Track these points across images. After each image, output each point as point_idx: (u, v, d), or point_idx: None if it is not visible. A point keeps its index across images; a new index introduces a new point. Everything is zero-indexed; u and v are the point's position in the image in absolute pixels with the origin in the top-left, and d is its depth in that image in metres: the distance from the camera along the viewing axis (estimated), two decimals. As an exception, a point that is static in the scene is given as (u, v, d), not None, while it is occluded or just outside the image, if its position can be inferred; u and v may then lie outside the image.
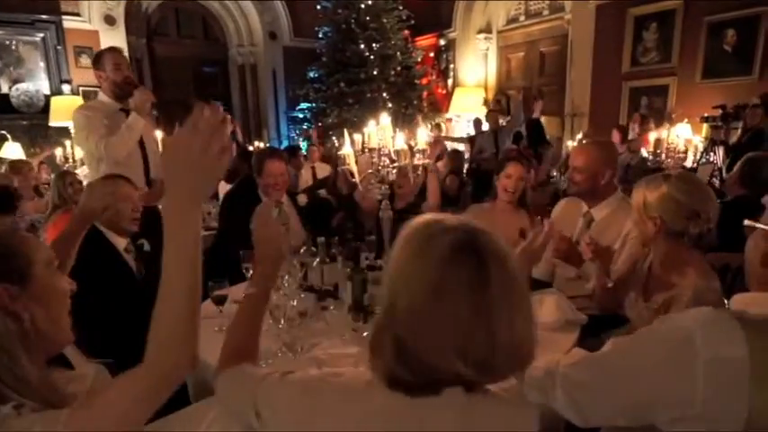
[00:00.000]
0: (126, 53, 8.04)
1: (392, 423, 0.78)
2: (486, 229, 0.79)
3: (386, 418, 0.78)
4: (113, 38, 7.79)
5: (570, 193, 2.41)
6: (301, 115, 9.47)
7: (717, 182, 4.63)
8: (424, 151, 2.14)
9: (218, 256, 2.41)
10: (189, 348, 0.78)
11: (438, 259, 0.74)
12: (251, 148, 6.80)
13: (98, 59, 2.89)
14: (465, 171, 6.39)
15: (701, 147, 5.26)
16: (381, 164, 1.94)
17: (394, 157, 1.92)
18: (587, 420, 1.02)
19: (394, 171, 1.92)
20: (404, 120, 7.98)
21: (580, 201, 2.34)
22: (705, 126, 5.67)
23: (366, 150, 2.16)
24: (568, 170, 2.37)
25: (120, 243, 2.07)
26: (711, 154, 5.22)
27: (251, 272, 2.00)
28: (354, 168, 2.61)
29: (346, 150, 2.92)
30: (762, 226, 1.03)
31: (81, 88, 7.62)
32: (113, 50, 2.97)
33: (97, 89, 3.03)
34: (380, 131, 2.10)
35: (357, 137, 5.22)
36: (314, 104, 8.99)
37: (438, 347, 0.74)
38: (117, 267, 2.06)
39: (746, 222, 1.05)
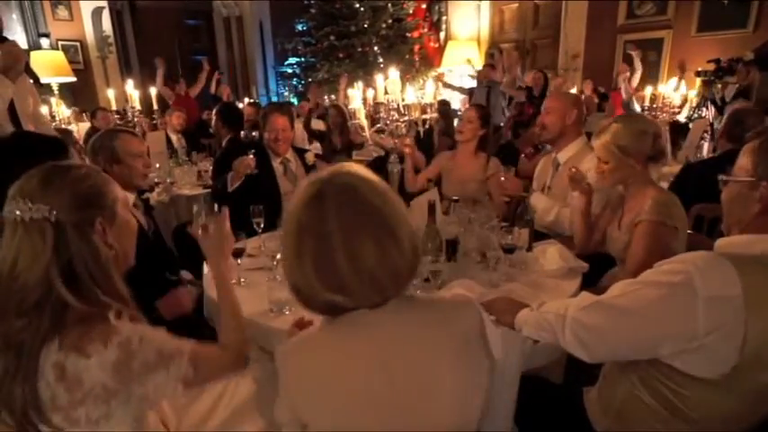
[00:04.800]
0: (105, 4, 7.63)
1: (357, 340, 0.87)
2: (342, 172, 0.87)
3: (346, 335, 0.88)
4: (92, -13, 7.45)
5: (542, 139, 2.62)
6: (290, 70, 9.25)
7: (707, 137, 4.66)
8: (431, 105, 2.13)
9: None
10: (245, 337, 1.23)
11: (298, 208, 0.86)
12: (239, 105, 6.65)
13: None
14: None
15: (695, 102, 5.27)
16: (390, 118, 1.94)
17: (403, 111, 1.92)
18: (594, 358, 1.13)
19: (403, 125, 1.93)
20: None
21: (553, 152, 2.56)
22: (698, 81, 5.68)
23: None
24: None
25: (129, 199, 2.05)
26: (704, 109, 5.25)
27: (261, 226, 2.04)
28: (365, 123, 2.58)
29: (356, 105, 2.88)
30: (733, 179, 1.11)
31: (60, 42, 7.35)
32: None
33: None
34: (390, 85, 2.08)
35: (351, 92, 5.14)
36: (303, 59, 8.77)
37: (307, 283, 0.84)
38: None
39: (721, 177, 1.14)
